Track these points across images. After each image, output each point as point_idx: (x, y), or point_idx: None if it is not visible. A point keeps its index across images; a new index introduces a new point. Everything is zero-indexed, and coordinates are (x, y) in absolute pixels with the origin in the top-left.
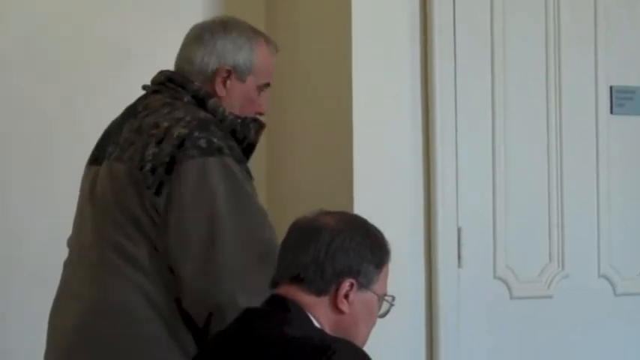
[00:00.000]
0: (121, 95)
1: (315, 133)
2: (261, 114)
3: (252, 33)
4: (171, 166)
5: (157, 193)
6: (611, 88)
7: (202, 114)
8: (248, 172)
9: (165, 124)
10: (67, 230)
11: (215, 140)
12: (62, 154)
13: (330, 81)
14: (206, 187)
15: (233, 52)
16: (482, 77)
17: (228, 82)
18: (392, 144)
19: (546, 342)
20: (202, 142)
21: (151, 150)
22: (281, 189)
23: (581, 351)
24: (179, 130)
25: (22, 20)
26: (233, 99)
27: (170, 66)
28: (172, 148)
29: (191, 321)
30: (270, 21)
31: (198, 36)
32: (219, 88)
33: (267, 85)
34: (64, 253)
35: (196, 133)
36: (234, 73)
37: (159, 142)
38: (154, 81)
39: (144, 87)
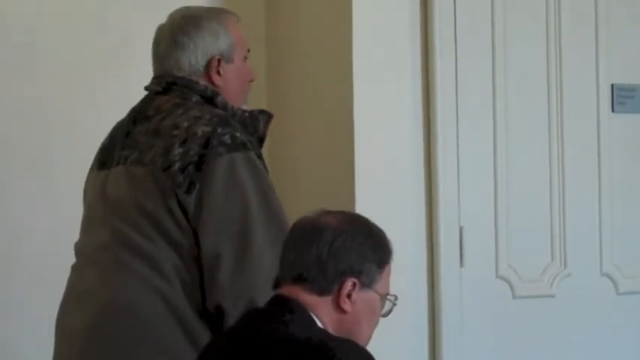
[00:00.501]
0: (122, 95)
1: (316, 132)
2: (252, 80)
3: (216, 14)
4: (200, 164)
5: (188, 191)
6: (612, 86)
7: (218, 110)
8: (265, 167)
9: (185, 123)
10: (67, 230)
11: (238, 135)
12: (62, 155)
13: (331, 81)
14: (236, 184)
15: (214, 42)
16: (483, 76)
17: (220, 69)
18: (393, 144)
19: (549, 341)
20: (227, 138)
21: (177, 150)
22: (282, 189)
23: (583, 350)
24: (202, 129)
25: (23, 20)
26: (230, 82)
27: None
28: (199, 148)
29: (209, 319)
30: (271, 20)
31: (174, 41)
32: (216, 79)
33: (248, 51)
34: (64, 253)
35: (219, 130)
36: (223, 59)
37: (183, 142)
38: (155, 86)
39: (147, 88)
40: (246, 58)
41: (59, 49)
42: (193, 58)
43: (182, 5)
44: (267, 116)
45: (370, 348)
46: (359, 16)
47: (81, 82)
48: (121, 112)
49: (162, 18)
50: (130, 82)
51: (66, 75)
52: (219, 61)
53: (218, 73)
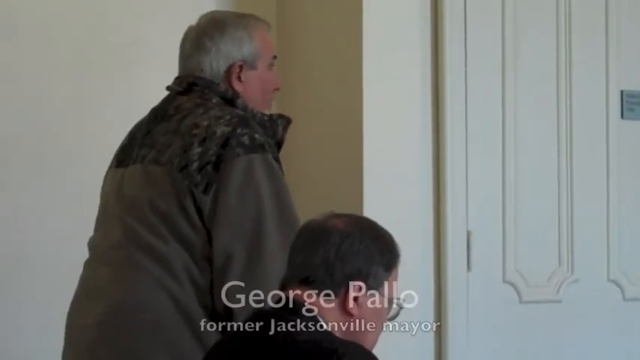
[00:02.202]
0: (131, 96)
1: (325, 136)
2: (277, 89)
3: (244, 20)
4: (217, 165)
5: (205, 191)
6: (621, 92)
7: (238, 111)
8: (281, 170)
9: (205, 123)
10: (74, 230)
11: (257, 136)
12: (70, 154)
13: (340, 84)
14: (252, 185)
15: (237, 47)
16: (492, 81)
17: (241, 75)
18: (401, 147)
19: (555, 346)
20: (246, 139)
21: (195, 150)
22: (291, 191)
23: (590, 355)
24: (222, 129)
25: (30, 21)
26: (252, 88)
27: None
28: (217, 147)
29: (219, 319)
30: (281, 23)
31: (198, 43)
32: (237, 84)
33: (274, 58)
34: (69, 252)
35: (239, 130)
36: (244, 65)
37: (202, 142)
38: (177, 85)
39: (168, 88)
40: (271, 65)
41: (68, 49)
42: (215, 62)
43: (191, 4)
44: (286, 121)
45: (376, 351)
46: (369, 18)
47: (89, 82)
48: (129, 113)
49: (171, 19)
50: (141, 83)
51: (74, 75)
52: (240, 67)
53: (239, 79)
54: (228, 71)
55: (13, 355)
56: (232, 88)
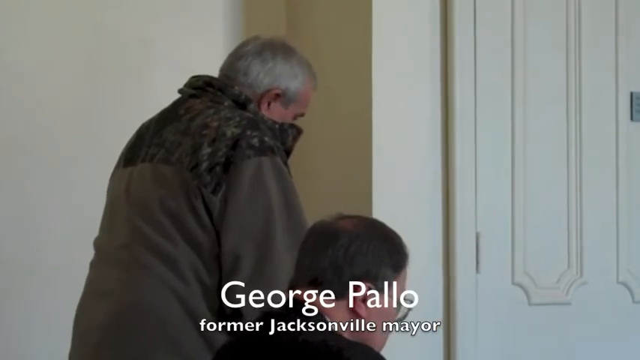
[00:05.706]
0: (142, 97)
1: (334, 136)
2: None
3: (306, 64)
4: (227, 166)
5: (214, 192)
6: (631, 94)
7: (248, 113)
8: (289, 173)
9: (215, 123)
10: (83, 230)
11: (266, 139)
12: (81, 156)
13: (350, 87)
14: (261, 187)
15: (288, 78)
16: (501, 82)
17: (272, 103)
18: (411, 149)
19: (564, 348)
20: (255, 141)
21: (205, 150)
22: (299, 193)
23: (598, 358)
24: (232, 130)
25: (42, 24)
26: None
27: (190, 68)
28: (227, 149)
29: (226, 320)
30: (290, 20)
31: (260, 52)
32: (264, 107)
33: (302, 115)
34: (81, 254)
35: (249, 132)
36: (281, 97)
37: (212, 142)
38: (191, 85)
39: (180, 90)
40: (297, 116)
41: (77, 50)
42: (262, 74)
43: (201, 5)
44: (297, 131)
45: (384, 352)
46: (378, 20)
47: (99, 83)
48: (139, 113)
49: (180, 20)
50: (150, 85)
51: (84, 77)
52: (277, 95)
53: (269, 104)
54: (267, 91)
55: (22, 356)
56: (258, 107)
